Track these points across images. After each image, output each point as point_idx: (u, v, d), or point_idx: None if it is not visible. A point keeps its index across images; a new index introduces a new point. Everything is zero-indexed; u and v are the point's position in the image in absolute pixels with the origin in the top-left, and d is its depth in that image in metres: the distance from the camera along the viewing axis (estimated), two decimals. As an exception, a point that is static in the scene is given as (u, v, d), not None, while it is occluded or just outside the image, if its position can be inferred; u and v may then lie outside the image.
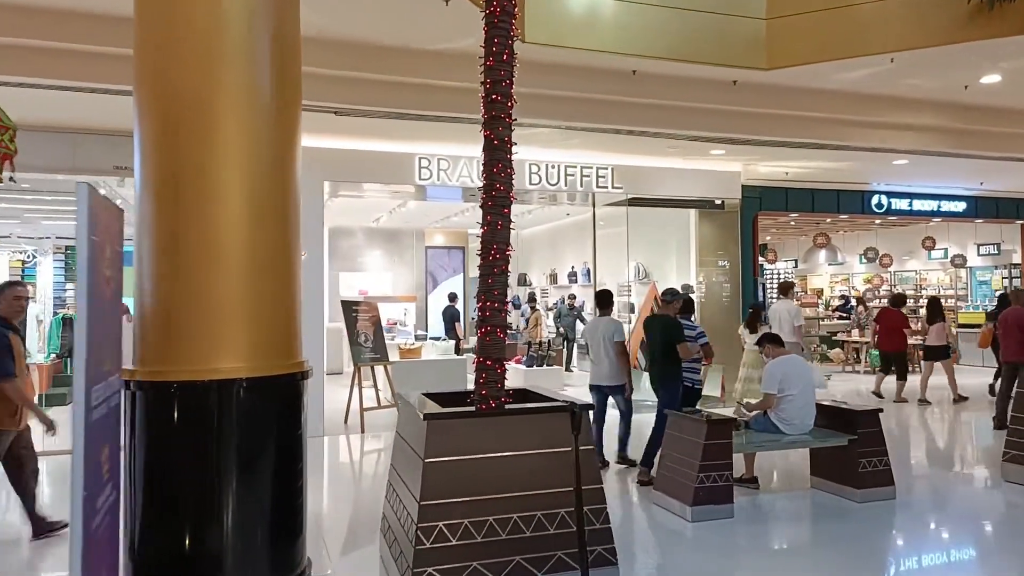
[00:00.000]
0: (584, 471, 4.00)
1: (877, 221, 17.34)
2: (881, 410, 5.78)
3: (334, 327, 15.30)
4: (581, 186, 10.07)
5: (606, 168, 10.22)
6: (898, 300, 11.89)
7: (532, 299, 16.90)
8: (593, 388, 7.06)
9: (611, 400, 7.06)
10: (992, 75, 8.09)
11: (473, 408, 4.15)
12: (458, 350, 12.34)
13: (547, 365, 12.62)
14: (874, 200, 13.82)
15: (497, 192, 4.24)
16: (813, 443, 5.75)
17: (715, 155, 10.26)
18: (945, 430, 9.32)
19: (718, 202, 11.59)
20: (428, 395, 4.51)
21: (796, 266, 23.10)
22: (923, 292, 19.54)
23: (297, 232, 3.98)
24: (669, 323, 6.57)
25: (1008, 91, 8.58)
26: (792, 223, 17.82)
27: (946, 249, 18.15)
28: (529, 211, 15.59)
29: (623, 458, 6.99)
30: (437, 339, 12.96)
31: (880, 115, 9.07)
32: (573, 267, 16.88)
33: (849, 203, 13.69)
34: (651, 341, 6.66)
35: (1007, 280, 16.53)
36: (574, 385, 13.16)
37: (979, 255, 17.35)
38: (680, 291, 7.20)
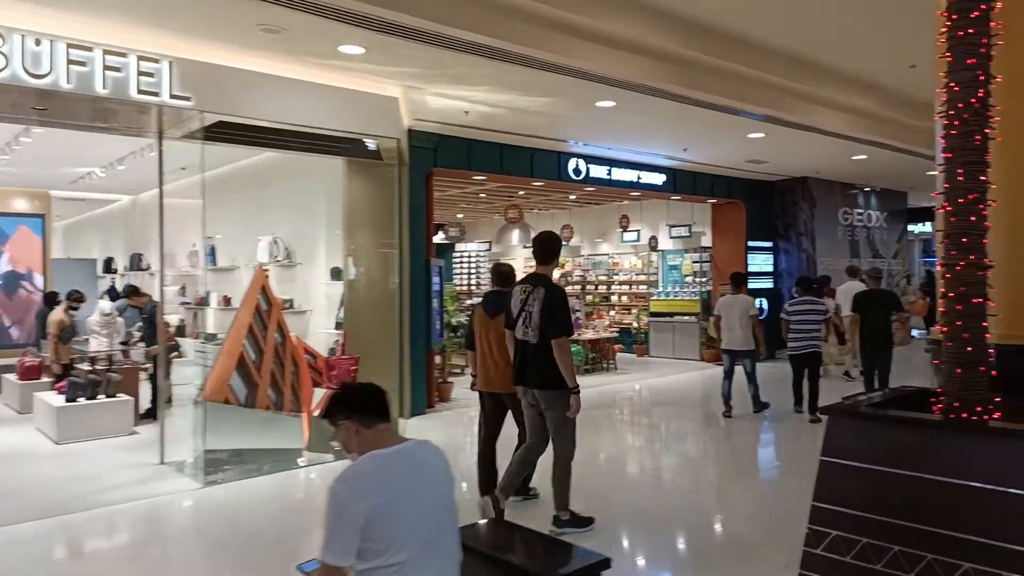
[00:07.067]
0: None
1: (572, 196, 15.23)
2: (608, 562, 2.44)
3: None
4: (105, 87, 5.58)
5: (157, 61, 5.84)
6: None
7: (134, 293, 10.92)
8: (725, 352, 8.69)
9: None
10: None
11: None
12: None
13: (107, 395, 7.89)
14: (572, 164, 11.32)
15: None
16: None
17: (352, 57, 6.50)
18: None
19: (371, 146, 7.92)
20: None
21: (490, 248, 20.73)
22: (615, 278, 18.16)
23: None
24: (887, 295, 8.62)
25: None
26: (483, 195, 15.00)
27: (638, 231, 16.77)
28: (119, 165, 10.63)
29: (758, 407, 8.73)
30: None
31: (594, 16, 6.07)
32: (195, 244, 12.12)
33: (544, 166, 11.00)
34: (870, 314, 8.00)
35: (698, 264, 15.42)
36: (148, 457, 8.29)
37: (671, 237, 16.09)
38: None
